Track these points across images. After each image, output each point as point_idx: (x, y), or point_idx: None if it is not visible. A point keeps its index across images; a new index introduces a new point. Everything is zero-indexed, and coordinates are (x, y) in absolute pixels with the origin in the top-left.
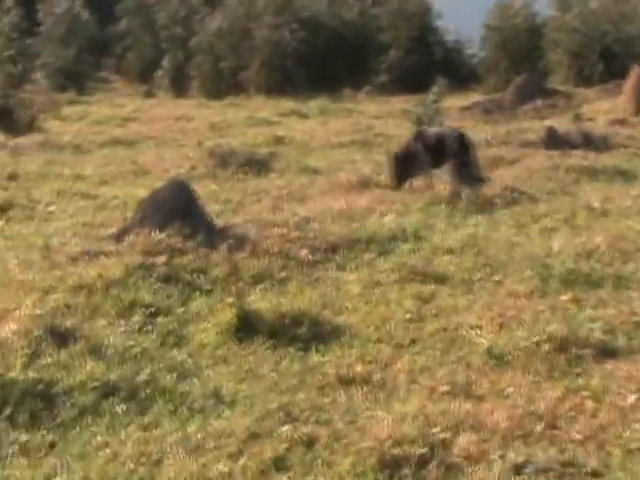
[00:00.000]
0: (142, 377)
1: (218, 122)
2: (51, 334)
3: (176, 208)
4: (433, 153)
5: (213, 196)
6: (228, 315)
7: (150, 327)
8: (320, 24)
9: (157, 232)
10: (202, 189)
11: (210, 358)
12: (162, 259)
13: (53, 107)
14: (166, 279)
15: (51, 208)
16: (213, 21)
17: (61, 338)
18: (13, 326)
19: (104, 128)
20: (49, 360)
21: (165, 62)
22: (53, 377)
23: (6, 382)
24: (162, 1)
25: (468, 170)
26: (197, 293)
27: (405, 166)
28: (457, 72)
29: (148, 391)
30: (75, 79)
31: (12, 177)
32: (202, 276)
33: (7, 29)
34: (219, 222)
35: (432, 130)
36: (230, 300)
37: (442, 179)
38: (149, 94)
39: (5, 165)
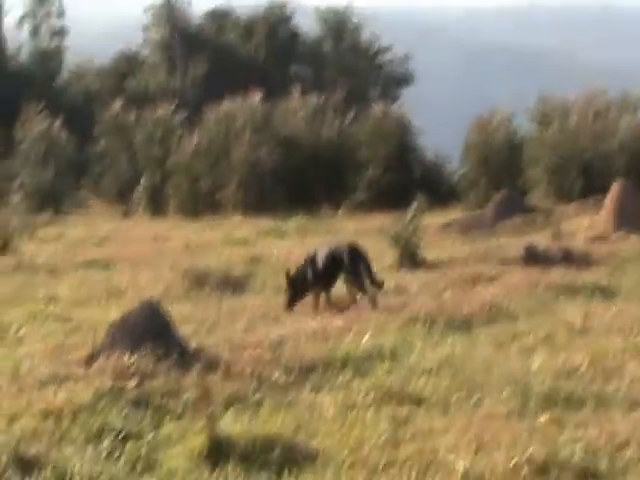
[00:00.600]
0: None
1: (194, 242)
2: (16, 462)
3: (148, 330)
4: (329, 271)
5: (187, 317)
6: (199, 440)
7: (119, 453)
8: (298, 142)
9: (128, 355)
10: (176, 310)
11: None
12: (132, 383)
13: (28, 229)
14: (136, 403)
15: (22, 332)
16: (191, 140)
17: (27, 466)
18: None
19: (80, 249)
20: None
21: (142, 182)
22: None
23: None
24: (140, 121)
25: (361, 279)
26: (168, 417)
27: (297, 289)
28: (437, 189)
29: None
30: (52, 200)
31: None
32: (173, 400)
33: None
34: (192, 343)
35: (324, 249)
36: (201, 424)
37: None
38: (126, 214)
39: None
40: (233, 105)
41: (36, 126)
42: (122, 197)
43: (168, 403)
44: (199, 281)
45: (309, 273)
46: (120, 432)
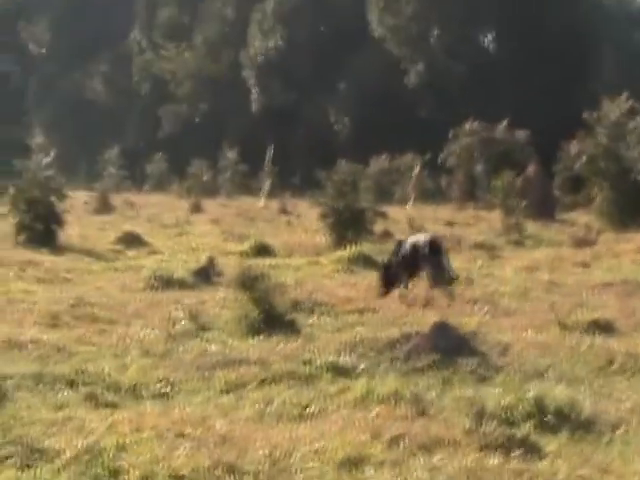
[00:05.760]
0: None
1: None
2: None
3: None
4: (411, 261)
5: None
6: None
7: None
8: None
9: None
10: None
11: None
12: None
13: None
14: None
15: None
16: None
17: None
18: None
19: None
20: None
21: None
22: None
23: None
24: None
25: (439, 272)
26: None
27: (389, 276)
28: None
29: None
30: None
31: None
32: None
33: None
34: None
35: (409, 239)
36: None
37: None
38: None
39: None
40: None
41: None
42: None
43: None
44: None
45: (395, 261)
46: None
